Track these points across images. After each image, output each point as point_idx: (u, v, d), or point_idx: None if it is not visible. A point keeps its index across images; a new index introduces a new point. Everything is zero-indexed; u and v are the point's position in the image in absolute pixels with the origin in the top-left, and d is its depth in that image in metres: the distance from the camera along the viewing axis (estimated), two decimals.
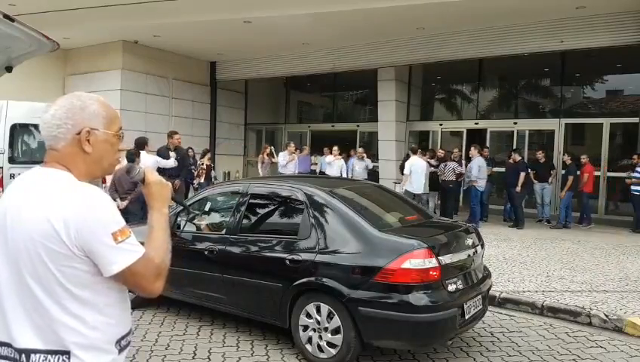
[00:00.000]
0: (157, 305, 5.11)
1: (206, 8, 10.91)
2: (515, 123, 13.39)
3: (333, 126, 16.97)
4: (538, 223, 11.32)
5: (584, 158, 10.84)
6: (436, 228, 4.53)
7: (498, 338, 4.53)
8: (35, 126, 8.46)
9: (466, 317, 3.82)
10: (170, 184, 1.66)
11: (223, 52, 15.41)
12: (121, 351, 1.45)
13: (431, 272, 3.59)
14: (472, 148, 11.24)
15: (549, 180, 11.18)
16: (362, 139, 16.16)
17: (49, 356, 1.34)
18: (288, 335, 4.14)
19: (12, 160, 7.92)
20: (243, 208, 4.56)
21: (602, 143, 11.94)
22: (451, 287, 3.74)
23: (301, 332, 3.97)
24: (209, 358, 4.02)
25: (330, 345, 3.82)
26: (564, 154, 11.31)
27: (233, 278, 4.39)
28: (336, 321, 3.76)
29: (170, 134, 9.30)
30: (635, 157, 10.33)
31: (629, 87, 13.31)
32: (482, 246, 4.36)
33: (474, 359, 4.07)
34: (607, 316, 4.88)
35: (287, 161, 11.74)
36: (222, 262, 4.45)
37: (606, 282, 6.16)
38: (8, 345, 1.36)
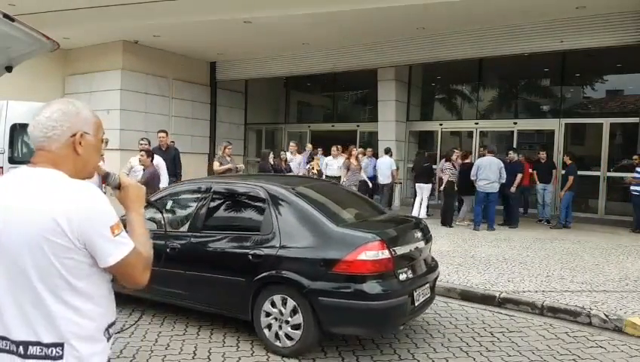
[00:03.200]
0: (156, 305, 5.10)
1: (206, 8, 10.91)
2: (515, 123, 13.39)
3: (333, 126, 16.96)
4: (538, 223, 11.31)
5: (520, 156, 11.25)
6: (388, 223, 4.80)
7: (498, 339, 4.53)
8: None
9: (416, 305, 4.10)
10: (144, 187, 1.78)
11: (223, 52, 15.41)
12: (109, 338, 1.55)
13: (384, 263, 3.83)
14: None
15: (551, 181, 11.17)
16: (362, 139, 16.15)
17: (44, 348, 1.41)
18: None
19: (12, 160, 7.92)
20: (207, 205, 4.66)
21: (602, 143, 11.93)
22: (402, 276, 3.99)
23: (263, 324, 4.12)
24: (209, 358, 4.02)
25: (291, 334, 3.98)
26: (564, 155, 11.29)
27: (197, 274, 4.46)
28: (297, 311, 3.94)
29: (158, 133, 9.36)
30: (636, 157, 10.32)
31: (629, 87, 13.32)
32: (429, 239, 4.65)
33: (474, 359, 4.08)
34: (607, 316, 4.88)
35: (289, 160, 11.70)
36: (185, 258, 4.50)
37: (606, 282, 6.16)
38: (4, 338, 1.42)
